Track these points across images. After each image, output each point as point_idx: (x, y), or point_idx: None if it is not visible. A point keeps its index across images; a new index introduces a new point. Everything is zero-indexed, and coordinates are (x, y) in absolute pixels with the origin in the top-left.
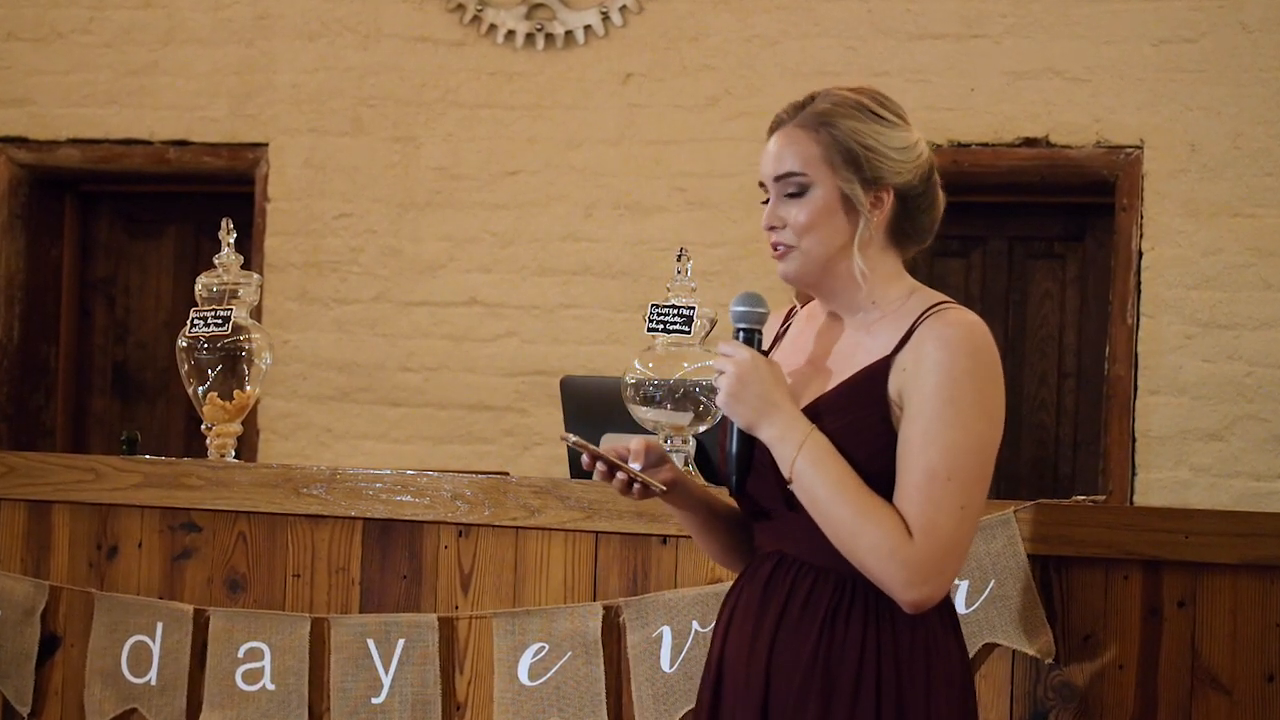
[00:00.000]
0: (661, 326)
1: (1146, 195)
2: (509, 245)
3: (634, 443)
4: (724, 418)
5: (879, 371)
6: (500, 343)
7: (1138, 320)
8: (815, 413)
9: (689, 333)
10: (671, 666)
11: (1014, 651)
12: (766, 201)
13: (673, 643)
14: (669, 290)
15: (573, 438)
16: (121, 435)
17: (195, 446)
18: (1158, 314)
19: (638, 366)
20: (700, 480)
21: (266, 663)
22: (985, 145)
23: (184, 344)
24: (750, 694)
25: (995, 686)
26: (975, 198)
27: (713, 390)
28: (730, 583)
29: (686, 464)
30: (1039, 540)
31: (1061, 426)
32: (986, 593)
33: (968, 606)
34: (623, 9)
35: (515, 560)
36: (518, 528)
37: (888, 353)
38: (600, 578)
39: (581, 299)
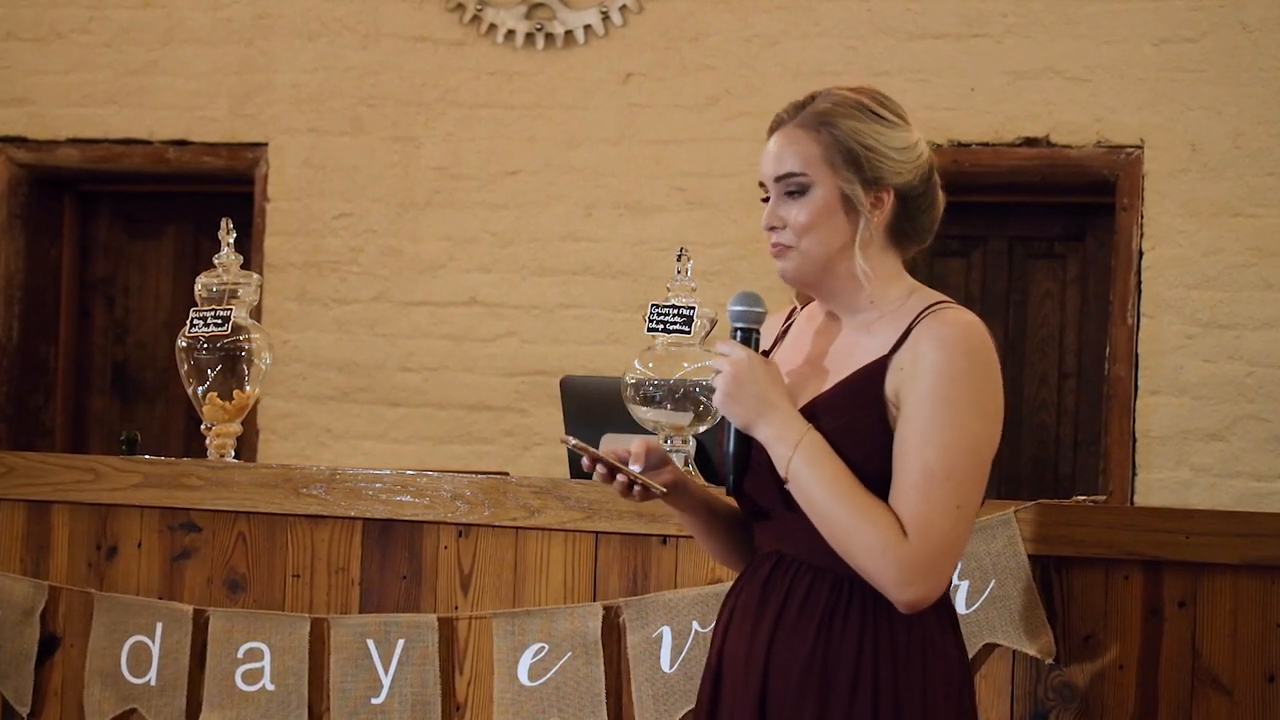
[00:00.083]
0: (661, 326)
1: (1147, 195)
2: (509, 245)
3: (634, 445)
4: (723, 418)
5: (876, 371)
6: (500, 343)
7: (1138, 320)
8: (812, 413)
9: (689, 333)
10: (671, 667)
11: (1014, 652)
12: (766, 200)
13: (673, 643)
14: (669, 290)
15: (572, 440)
16: (121, 435)
17: (195, 446)
18: (1158, 314)
19: (638, 366)
20: (701, 480)
21: (266, 663)
22: (985, 145)
23: (183, 344)
24: (748, 693)
25: (996, 687)
26: (975, 198)
27: (712, 390)
28: (731, 583)
29: (686, 464)
30: (1039, 540)
31: (1062, 426)
32: (987, 593)
33: (968, 607)
34: (623, 8)
35: (515, 560)
36: (518, 528)
37: (885, 352)
38: (600, 578)
39: (581, 299)
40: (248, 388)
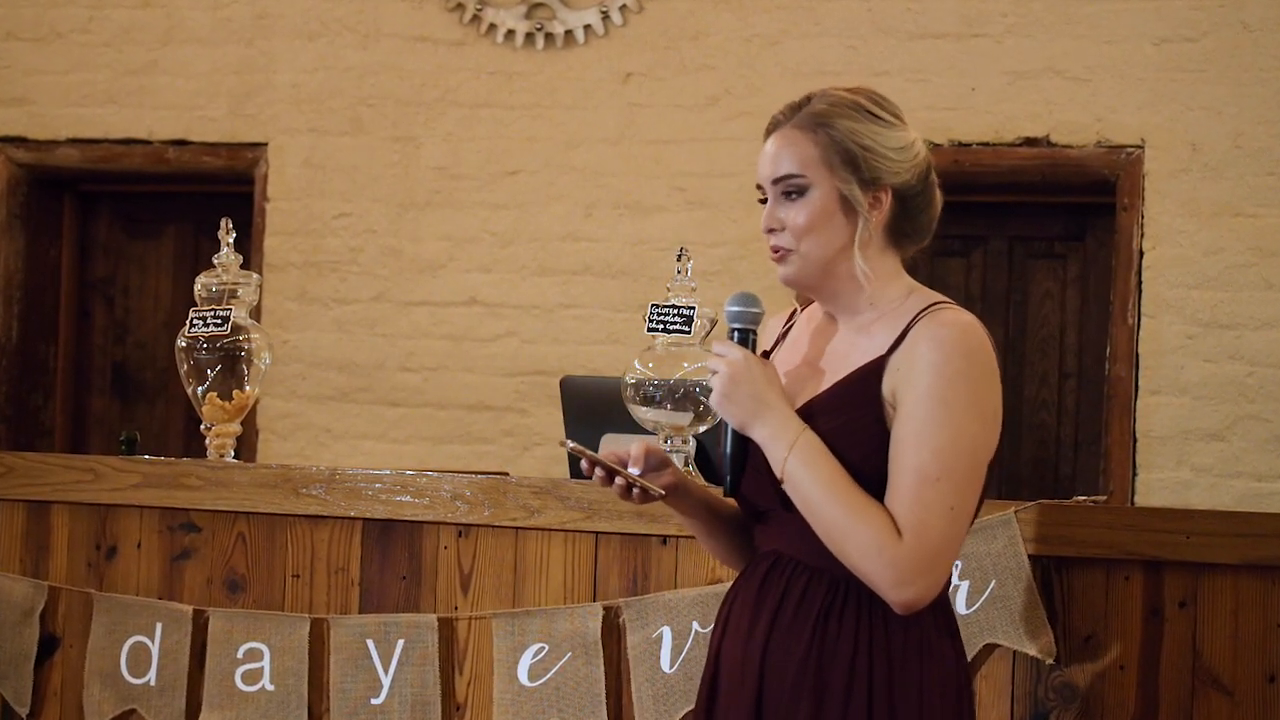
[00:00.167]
0: (661, 326)
1: (1147, 195)
2: (509, 245)
3: (634, 447)
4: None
5: (873, 372)
6: (500, 343)
7: (1139, 320)
8: (809, 413)
9: (689, 333)
10: (671, 667)
11: (1015, 652)
12: (764, 202)
13: (673, 643)
14: (669, 290)
15: (571, 444)
16: (120, 435)
17: (194, 447)
18: (1159, 314)
19: (638, 366)
20: (701, 481)
21: (266, 663)
22: (986, 145)
23: (183, 344)
24: (744, 693)
25: (996, 687)
26: (976, 197)
27: (710, 390)
28: (731, 583)
29: (686, 464)
30: (1040, 541)
31: (1062, 427)
32: (987, 593)
33: (968, 607)
34: (623, 8)
35: (515, 561)
36: (517, 528)
37: (882, 353)
38: (600, 578)
39: (581, 299)
40: (247, 388)
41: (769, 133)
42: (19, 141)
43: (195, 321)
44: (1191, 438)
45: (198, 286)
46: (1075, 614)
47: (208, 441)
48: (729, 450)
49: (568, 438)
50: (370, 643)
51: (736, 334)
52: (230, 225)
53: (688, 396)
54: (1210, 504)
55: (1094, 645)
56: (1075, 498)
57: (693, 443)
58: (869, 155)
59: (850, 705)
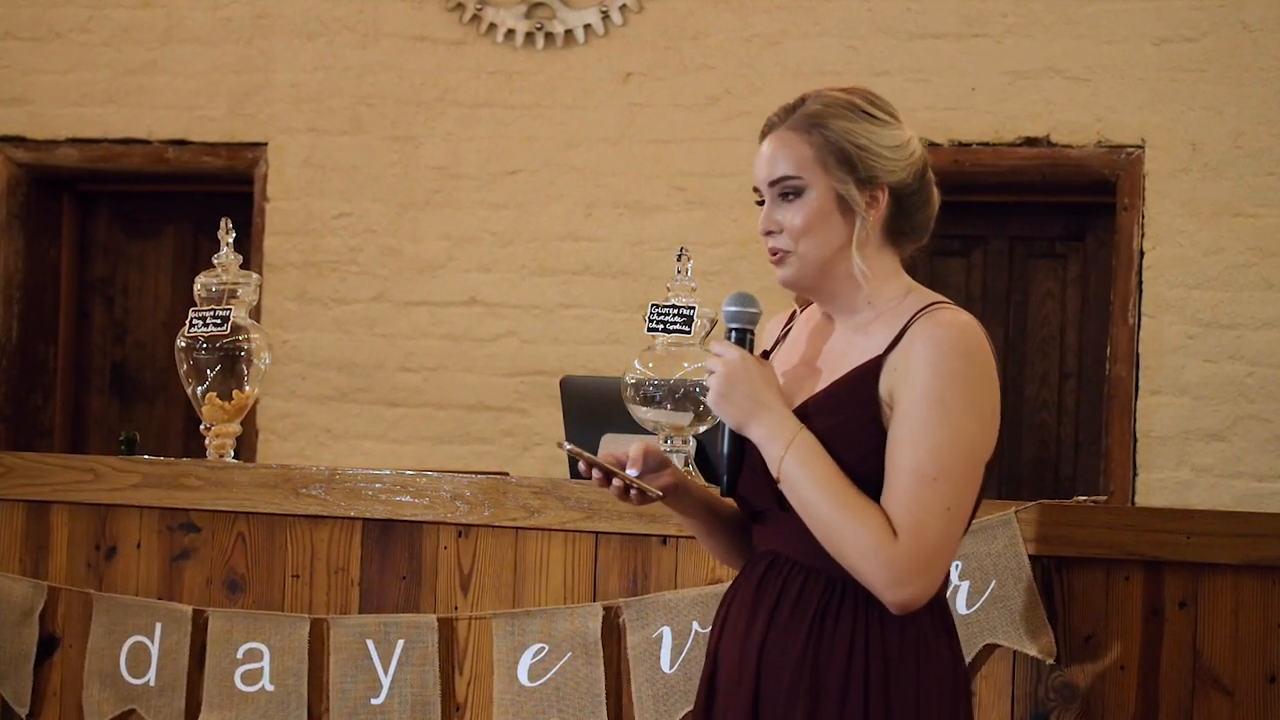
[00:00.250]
0: (661, 326)
1: (1148, 195)
2: (509, 245)
3: (632, 448)
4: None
5: (870, 371)
6: (500, 343)
7: (1139, 320)
8: (806, 413)
9: (689, 333)
10: (671, 667)
11: (1015, 652)
12: (761, 204)
13: (673, 643)
14: (669, 290)
15: (569, 445)
16: (120, 435)
17: (194, 447)
18: (1159, 314)
19: (638, 366)
20: (700, 481)
21: (266, 663)
22: (986, 145)
23: (183, 344)
24: (741, 693)
25: (996, 687)
26: (976, 197)
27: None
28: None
29: (686, 464)
30: (1040, 541)
31: (1063, 427)
32: (987, 593)
33: (969, 607)
34: (623, 8)
35: (515, 561)
36: (517, 528)
37: (880, 352)
38: (600, 578)
39: (581, 299)
40: (247, 388)
41: (764, 135)
42: (18, 141)
43: (195, 321)
44: (1192, 438)
45: (197, 286)
46: (1075, 614)
47: (207, 441)
48: (726, 450)
49: (567, 438)
50: (370, 643)
51: (734, 334)
52: (230, 225)
53: (688, 396)
54: (1210, 504)
55: (1094, 645)
56: (1075, 498)
57: (693, 443)
58: (864, 154)
59: (846, 705)
